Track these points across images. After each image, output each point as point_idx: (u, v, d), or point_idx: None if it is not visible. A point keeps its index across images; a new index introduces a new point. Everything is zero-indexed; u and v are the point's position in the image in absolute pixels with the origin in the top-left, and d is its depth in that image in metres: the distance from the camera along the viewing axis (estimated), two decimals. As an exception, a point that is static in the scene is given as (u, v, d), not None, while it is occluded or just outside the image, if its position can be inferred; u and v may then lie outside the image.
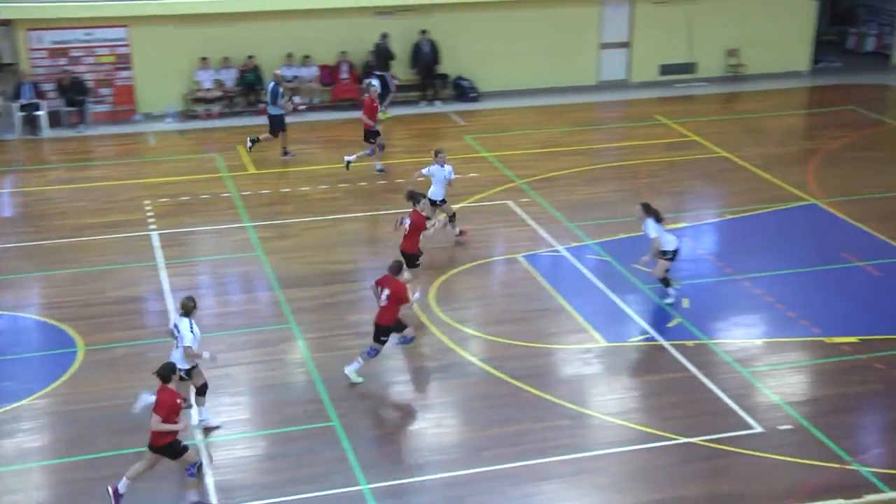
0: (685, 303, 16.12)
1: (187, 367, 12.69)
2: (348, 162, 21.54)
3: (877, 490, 11.71)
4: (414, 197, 16.46)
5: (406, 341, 14.22)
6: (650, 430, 13.07)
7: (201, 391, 13.07)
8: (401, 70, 26.93)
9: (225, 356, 14.81)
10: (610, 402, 13.75)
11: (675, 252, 16.07)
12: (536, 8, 27.47)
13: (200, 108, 25.85)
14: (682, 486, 12.06)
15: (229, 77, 26.05)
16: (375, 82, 23.52)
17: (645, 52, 28.73)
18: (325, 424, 13.22)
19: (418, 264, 16.22)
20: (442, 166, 18.14)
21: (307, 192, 20.91)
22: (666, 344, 15.00)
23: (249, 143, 22.60)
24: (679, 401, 13.73)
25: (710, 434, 12.90)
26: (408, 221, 16.08)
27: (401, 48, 26.63)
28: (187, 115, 25.91)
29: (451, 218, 18.31)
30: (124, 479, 11.59)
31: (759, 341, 15.17)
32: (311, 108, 26.51)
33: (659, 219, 16.07)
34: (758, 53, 29.17)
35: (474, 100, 27.34)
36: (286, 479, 12.17)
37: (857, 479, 12.01)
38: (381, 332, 13.99)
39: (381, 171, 21.75)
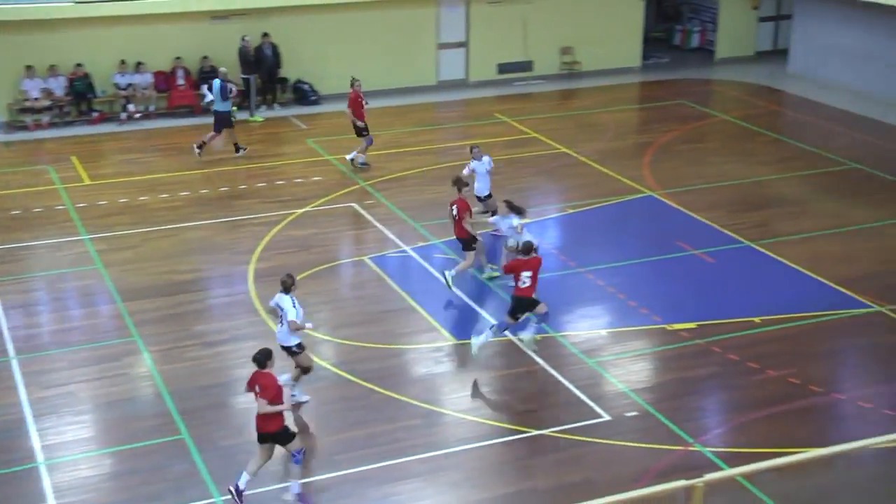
0: (531, 297, 16.39)
1: (298, 340, 13.26)
2: (351, 160, 21.93)
3: (718, 468, 12.15)
4: (458, 183, 16.80)
5: (543, 320, 14.65)
6: (502, 425, 13.25)
7: (306, 371, 13.55)
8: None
9: (67, 374, 14.38)
10: (462, 398, 13.88)
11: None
12: (374, 10, 27.52)
13: (28, 119, 24.92)
14: (535, 478, 12.26)
15: (58, 86, 25.19)
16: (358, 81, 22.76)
17: (482, 51, 29.13)
18: (175, 438, 12.94)
19: (474, 247, 16.63)
20: (480, 160, 18.25)
21: (146, 202, 20.40)
22: (515, 339, 15.22)
23: (197, 151, 22.37)
24: (528, 394, 13.98)
25: (560, 425, 13.16)
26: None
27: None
28: (14, 126, 24.95)
29: (493, 214, 18.15)
30: (244, 474, 11.65)
31: (603, 332, 15.55)
32: (147, 115, 25.88)
33: (521, 214, 16.55)
34: (591, 51, 29.95)
35: (315, 103, 27.21)
36: (136, 497, 11.86)
37: (700, 459, 12.45)
38: (520, 307, 14.40)
39: (364, 164, 22.02)
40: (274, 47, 26.48)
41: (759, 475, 11.24)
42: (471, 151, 18.49)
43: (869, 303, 16.12)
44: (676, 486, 6.66)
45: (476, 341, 14.50)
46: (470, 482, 12.27)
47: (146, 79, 25.92)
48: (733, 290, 16.79)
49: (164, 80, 26.13)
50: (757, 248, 18.22)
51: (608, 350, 15.04)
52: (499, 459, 12.64)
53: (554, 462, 12.54)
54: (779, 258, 17.79)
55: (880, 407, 13.44)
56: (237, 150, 22.85)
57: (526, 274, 14.36)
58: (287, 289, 13.24)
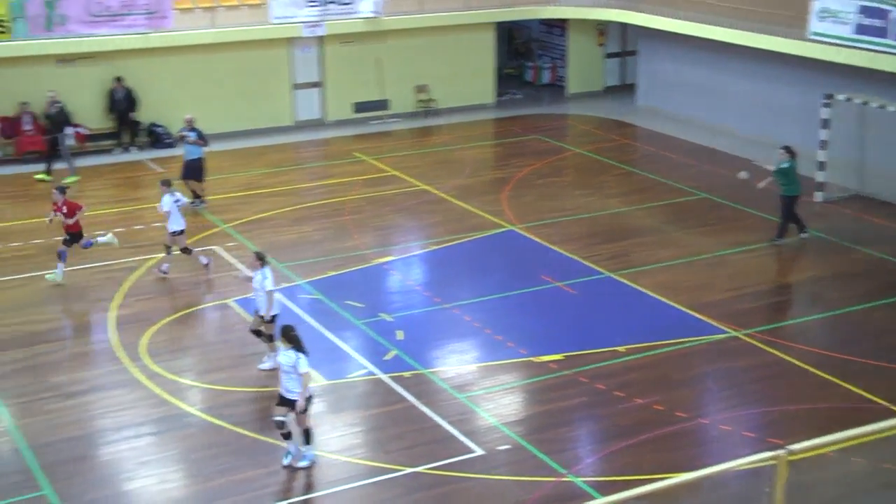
0: (399, 335, 16.43)
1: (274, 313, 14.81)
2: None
3: (590, 498, 12.35)
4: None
5: None
6: (374, 464, 13.19)
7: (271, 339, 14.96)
8: (92, 118, 26.17)
9: (-83, 434, 13.70)
10: (333, 439, 13.76)
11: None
12: (226, 51, 27.32)
13: None
14: (412, 516, 12.24)
15: None
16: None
17: (338, 91, 29.21)
18: (37, 494, 12.44)
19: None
20: (171, 195, 18.24)
21: (-9, 251, 19.71)
22: (384, 377, 15.21)
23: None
24: (401, 432, 13.94)
25: (433, 462, 13.16)
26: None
27: (92, 96, 25.92)
28: None
29: (167, 252, 18.55)
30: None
31: (472, 366, 15.66)
32: (-8, 161, 25.09)
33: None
34: (446, 88, 30.37)
35: (170, 146, 26.78)
36: (-2, 560, 11.37)
37: (572, 489, 12.62)
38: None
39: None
40: (128, 91, 26.02)
41: (629, 502, 11.48)
42: (165, 185, 18.54)
43: (725, 328, 16.70)
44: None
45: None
46: (346, 524, 12.17)
47: (-11, 123, 25.11)
48: (597, 321, 17.17)
49: (9, 126, 25.32)
50: (617, 278, 18.69)
51: (478, 384, 15.15)
52: (373, 499, 12.55)
53: (428, 499, 12.53)
54: (638, 287, 18.28)
55: (740, 429, 13.90)
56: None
57: None
58: (264, 261, 14.68)
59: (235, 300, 17.65)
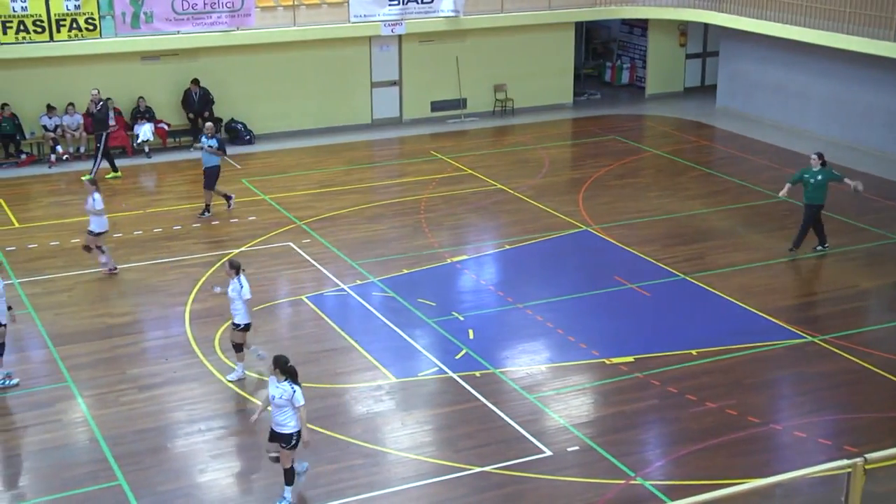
0: (470, 334, 16.42)
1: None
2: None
3: (660, 502, 12.23)
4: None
5: None
6: (444, 463, 13.20)
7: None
8: (173, 114, 26.60)
9: (-2, 421, 14.05)
10: (403, 437, 13.80)
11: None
12: (307, 49, 27.57)
13: (-45, 161, 24.53)
14: (479, 515, 12.22)
15: (-15, 127, 24.80)
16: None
17: (416, 89, 29.29)
18: (111, 484, 12.69)
19: None
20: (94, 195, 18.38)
21: (79, 244, 20.07)
22: (455, 376, 15.21)
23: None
24: (470, 431, 13.93)
25: (502, 461, 13.13)
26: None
27: (173, 92, 26.34)
28: (-59, 169, 24.51)
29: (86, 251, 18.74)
30: None
31: (543, 367, 15.59)
32: (77, 157, 25.60)
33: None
34: (524, 88, 30.27)
35: (249, 142, 27.12)
36: (72, 546, 11.60)
37: (641, 493, 12.50)
38: None
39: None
40: (205, 92, 26.39)
41: (700, 507, 11.32)
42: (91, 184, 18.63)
43: (801, 333, 16.39)
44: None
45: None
46: (413, 521, 12.18)
47: (76, 120, 25.63)
48: (670, 323, 16.96)
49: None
50: (691, 280, 18.46)
51: (548, 385, 15.07)
52: (440, 498, 12.56)
53: (497, 499, 12.50)
54: (713, 290, 18.03)
55: (814, 436, 13.63)
56: None
57: None
58: (239, 270, 14.70)
59: (309, 296, 17.80)
